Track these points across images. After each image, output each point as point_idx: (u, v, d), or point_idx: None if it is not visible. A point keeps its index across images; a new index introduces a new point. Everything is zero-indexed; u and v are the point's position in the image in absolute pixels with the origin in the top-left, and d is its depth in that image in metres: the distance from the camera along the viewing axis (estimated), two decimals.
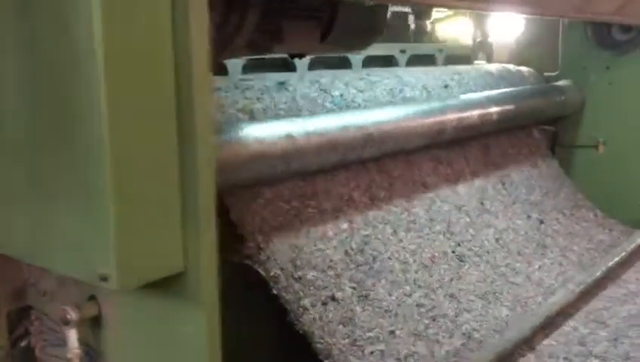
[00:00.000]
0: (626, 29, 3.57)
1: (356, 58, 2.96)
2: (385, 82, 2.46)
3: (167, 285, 1.07)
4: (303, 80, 2.14)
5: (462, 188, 2.72)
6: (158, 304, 1.11)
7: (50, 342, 1.42)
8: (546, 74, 3.79)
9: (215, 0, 1.24)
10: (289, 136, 1.73)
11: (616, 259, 2.85)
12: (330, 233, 2.04)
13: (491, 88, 3.21)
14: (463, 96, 2.80)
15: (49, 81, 0.98)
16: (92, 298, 1.27)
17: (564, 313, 2.36)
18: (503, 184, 3.10)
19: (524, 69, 3.68)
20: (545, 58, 3.84)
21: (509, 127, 3.23)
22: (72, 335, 1.23)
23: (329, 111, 2.10)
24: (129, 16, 0.92)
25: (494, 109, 2.91)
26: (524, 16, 3.66)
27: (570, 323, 2.33)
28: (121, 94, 0.92)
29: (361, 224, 2.16)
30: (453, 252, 2.42)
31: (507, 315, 2.26)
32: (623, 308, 2.47)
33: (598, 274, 2.67)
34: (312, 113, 2.05)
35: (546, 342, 2.17)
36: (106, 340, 1.27)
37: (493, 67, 3.43)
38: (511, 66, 3.58)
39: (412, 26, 3.56)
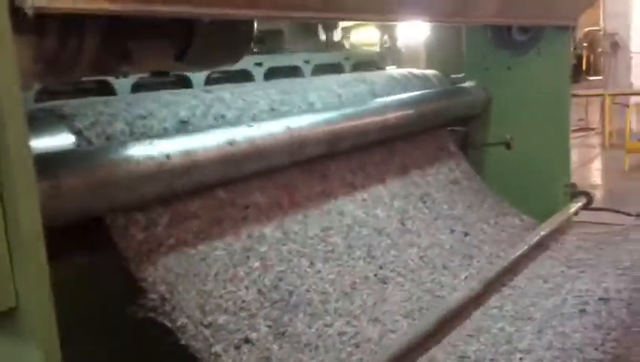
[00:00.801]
0: (524, 30, 3.70)
1: (258, 70, 2.96)
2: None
3: (1, 321, 1.04)
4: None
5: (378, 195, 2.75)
6: None
7: None
8: (452, 76, 3.88)
9: (49, 24, 1.22)
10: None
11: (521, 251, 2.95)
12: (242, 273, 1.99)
13: (395, 93, 3.26)
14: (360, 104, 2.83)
15: None
16: None
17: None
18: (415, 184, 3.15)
19: (429, 72, 3.76)
20: (450, 61, 3.94)
21: (416, 131, 3.29)
22: None
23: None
24: None
25: (395, 114, 2.96)
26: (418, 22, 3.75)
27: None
28: None
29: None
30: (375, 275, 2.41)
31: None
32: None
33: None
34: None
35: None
36: None
37: (397, 72, 3.49)
38: (415, 70, 3.65)
39: (322, 37, 3.58)
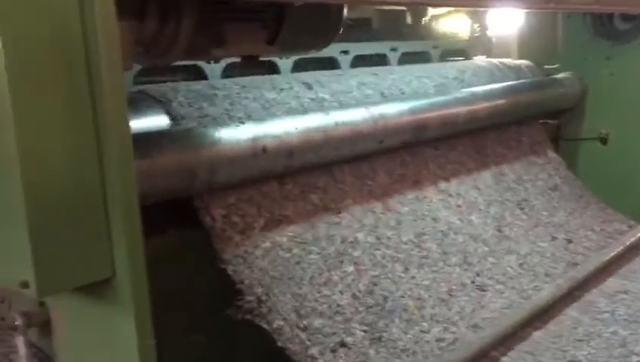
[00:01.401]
0: (628, 17, 3.50)
1: (344, 57, 2.96)
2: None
3: (99, 290, 1.10)
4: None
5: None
6: (94, 308, 1.14)
7: (11, 348, 1.45)
8: (546, 67, 3.73)
9: (150, 9, 1.27)
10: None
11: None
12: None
13: (484, 83, 3.18)
14: (451, 93, 2.77)
15: None
16: (42, 304, 1.31)
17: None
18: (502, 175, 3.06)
19: (521, 62, 3.63)
20: (544, 51, 3.78)
21: (505, 123, 3.19)
22: (20, 341, 1.26)
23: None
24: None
25: (484, 105, 2.89)
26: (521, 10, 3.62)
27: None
28: (31, 112, 0.95)
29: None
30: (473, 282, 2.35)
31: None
32: None
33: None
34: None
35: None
36: (55, 344, 1.29)
37: (487, 61, 3.39)
38: (507, 60, 3.54)
39: (409, 23, 3.53)
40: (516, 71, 3.48)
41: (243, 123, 1.77)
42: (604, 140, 3.58)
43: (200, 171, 1.71)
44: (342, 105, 2.20)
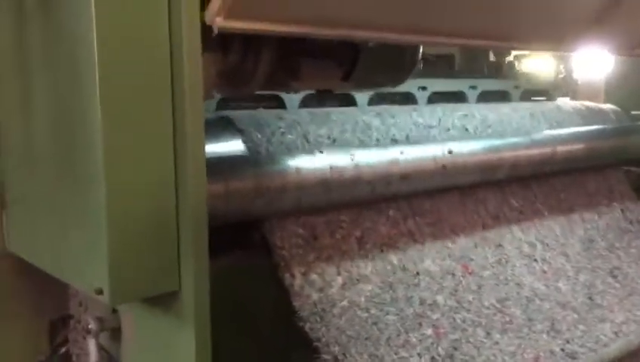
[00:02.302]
0: None
1: (421, 94, 2.99)
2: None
3: (166, 302, 1.17)
4: None
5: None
6: (160, 319, 1.21)
7: (82, 350, 1.56)
8: (633, 112, 3.62)
9: (233, 42, 1.36)
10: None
11: None
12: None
13: (562, 126, 3.12)
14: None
15: (65, 119, 1.13)
16: (114, 311, 1.40)
17: None
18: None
19: (605, 106, 3.54)
20: (632, 96, 3.67)
21: (584, 169, 3.11)
22: (92, 345, 1.36)
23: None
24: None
25: (560, 148, 2.84)
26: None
27: None
28: (115, 123, 1.04)
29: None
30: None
31: None
32: None
33: None
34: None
35: None
36: (123, 350, 1.38)
37: (569, 104, 3.32)
38: (590, 103, 3.46)
39: (491, 61, 3.52)
40: (600, 115, 3.39)
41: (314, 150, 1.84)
42: None
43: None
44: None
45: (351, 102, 2.72)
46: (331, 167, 1.92)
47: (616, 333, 2.44)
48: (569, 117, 3.16)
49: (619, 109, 3.60)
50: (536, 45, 2.51)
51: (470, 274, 2.32)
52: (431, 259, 2.25)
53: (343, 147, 2.02)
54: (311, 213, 1.99)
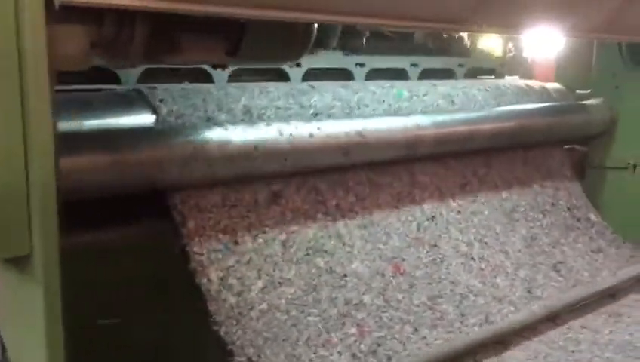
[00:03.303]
0: None
1: (359, 70, 3.02)
2: None
3: (21, 265, 1.23)
4: None
5: None
6: (18, 280, 1.27)
7: None
8: (578, 92, 3.67)
9: (108, 15, 1.39)
10: None
11: None
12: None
13: (506, 104, 3.17)
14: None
15: None
16: None
17: None
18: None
19: (550, 85, 3.58)
20: (580, 76, 3.72)
21: (524, 145, 3.17)
22: None
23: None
24: None
25: (495, 126, 2.90)
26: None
27: None
28: None
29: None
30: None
31: None
32: None
33: None
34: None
35: None
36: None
37: (509, 82, 3.37)
38: (533, 82, 3.50)
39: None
40: (542, 94, 3.44)
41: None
42: (632, 169, 3.50)
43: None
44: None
45: (284, 77, 2.74)
46: (241, 142, 1.97)
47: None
48: (507, 95, 3.21)
49: (563, 88, 3.65)
50: (489, 28, 2.54)
51: (402, 274, 2.33)
52: (359, 260, 2.26)
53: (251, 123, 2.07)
54: (219, 185, 2.03)
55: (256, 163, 1.93)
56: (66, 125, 1.78)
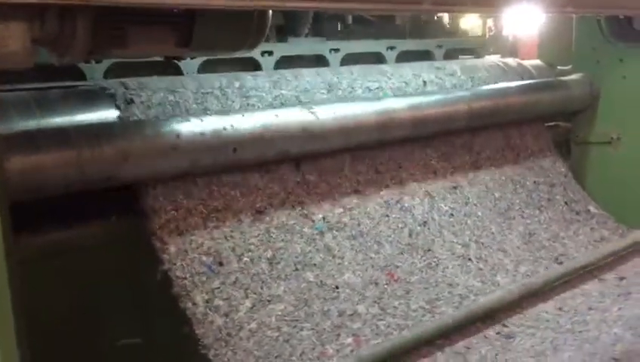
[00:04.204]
0: None
1: (334, 56, 3.00)
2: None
3: None
4: None
5: None
6: None
7: None
8: (559, 68, 3.65)
9: (50, 10, 1.38)
10: None
11: None
12: None
13: (487, 83, 3.15)
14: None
15: None
16: None
17: None
18: None
19: (530, 62, 3.56)
20: (560, 52, 3.69)
21: (509, 122, 3.16)
22: None
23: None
24: None
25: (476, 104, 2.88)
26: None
27: None
28: None
29: None
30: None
31: None
32: None
33: None
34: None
35: None
36: None
37: (488, 61, 3.35)
38: (512, 60, 3.48)
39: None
40: (522, 71, 3.42)
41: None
42: (614, 143, 3.48)
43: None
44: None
45: (256, 66, 2.73)
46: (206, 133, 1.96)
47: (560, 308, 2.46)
48: (485, 74, 3.19)
49: (543, 65, 3.63)
50: (465, 7, 2.51)
51: (396, 281, 2.31)
52: (351, 271, 2.23)
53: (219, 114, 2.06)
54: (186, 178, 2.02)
55: None
56: (26, 124, 1.79)
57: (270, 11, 1.70)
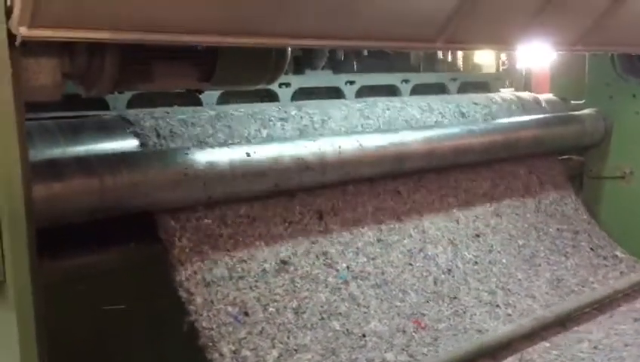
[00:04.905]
0: None
1: (349, 88, 3.06)
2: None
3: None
4: None
5: None
6: None
7: None
8: (572, 102, 3.69)
9: (80, 47, 1.45)
10: None
11: None
12: None
13: (498, 117, 3.19)
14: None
15: None
16: None
17: None
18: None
19: (543, 96, 3.60)
20: (573, 86, 3.73)
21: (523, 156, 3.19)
22: None
23: None
24: None
25: (489, 139, 2.92)
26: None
27: None
28: None
29: None
30: None
31: None
32: None
33: None
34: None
35: None
36: None
37: (500, 96, 3.39)
38: (525, 94, 3.52)
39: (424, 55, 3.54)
40: (533, 105, 3.46)
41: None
42: (628, 178, 3.50)
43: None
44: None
45: (273, 97, 2.79)
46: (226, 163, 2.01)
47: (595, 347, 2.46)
48: (497, 108, 3.24)
49: (556, 99, 3.67)
50: (478, 45, 2.57)
51: (423, 328, 2.31)
52: (377, 319, 2.24)
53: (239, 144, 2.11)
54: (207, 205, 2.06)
55: None
56: (53, 152, 1.86)
57: (289, 48, 1.75)
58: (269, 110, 2.39)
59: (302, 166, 2.12)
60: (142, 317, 2.08)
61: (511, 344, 2.35)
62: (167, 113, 2.07)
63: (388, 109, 2.74)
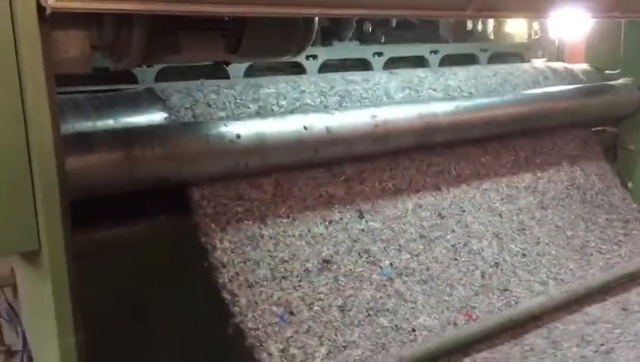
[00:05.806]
0: None
1: (377, 60, 3.03)
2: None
3: (34, 259, 1.30)
4: None
5: None
6: (32, 274, 1.34)
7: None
8: (607, 72, 3.60)
9: (107, 19, 1.45)
10: None
11: None
12: None
13: (530, 88, 3.13)
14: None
15: None
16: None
17: None
18: None
19: (577, 66, 3.52)
20: (609, 56, 3.64)
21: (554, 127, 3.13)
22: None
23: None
24: None
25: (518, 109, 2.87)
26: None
27: None
28: None
29: None
30: None
31: None
32: None
33: None
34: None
35: None
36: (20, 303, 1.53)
37: (533, 66, 3.32)
38: (558, 64, 3.44)
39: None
40: (567, 75, 3.38)
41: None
42: None
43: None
44: None
45: (300, 70, 2.78)
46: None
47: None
48: (529, 79, 3.17)
49: (590, 69, 3.58)
50: (510, 13, 2.51)
51: (475, 320, 2.25)
52: (426, 313, 2.21)
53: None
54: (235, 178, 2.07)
55: None
56: (81, 125, 1.88)
57: (316, 18, 1.74)
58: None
59: None
60: (172, 288, 2.12)
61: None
62: (200, 85, 2.06)
63: None
